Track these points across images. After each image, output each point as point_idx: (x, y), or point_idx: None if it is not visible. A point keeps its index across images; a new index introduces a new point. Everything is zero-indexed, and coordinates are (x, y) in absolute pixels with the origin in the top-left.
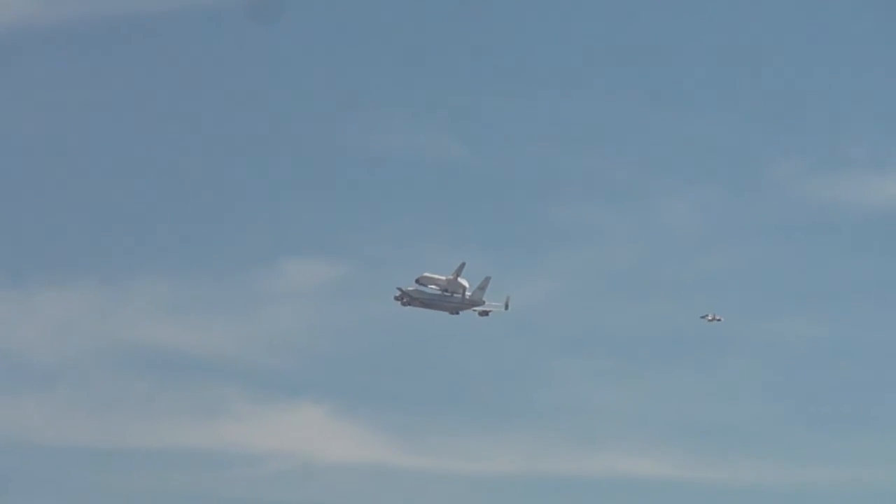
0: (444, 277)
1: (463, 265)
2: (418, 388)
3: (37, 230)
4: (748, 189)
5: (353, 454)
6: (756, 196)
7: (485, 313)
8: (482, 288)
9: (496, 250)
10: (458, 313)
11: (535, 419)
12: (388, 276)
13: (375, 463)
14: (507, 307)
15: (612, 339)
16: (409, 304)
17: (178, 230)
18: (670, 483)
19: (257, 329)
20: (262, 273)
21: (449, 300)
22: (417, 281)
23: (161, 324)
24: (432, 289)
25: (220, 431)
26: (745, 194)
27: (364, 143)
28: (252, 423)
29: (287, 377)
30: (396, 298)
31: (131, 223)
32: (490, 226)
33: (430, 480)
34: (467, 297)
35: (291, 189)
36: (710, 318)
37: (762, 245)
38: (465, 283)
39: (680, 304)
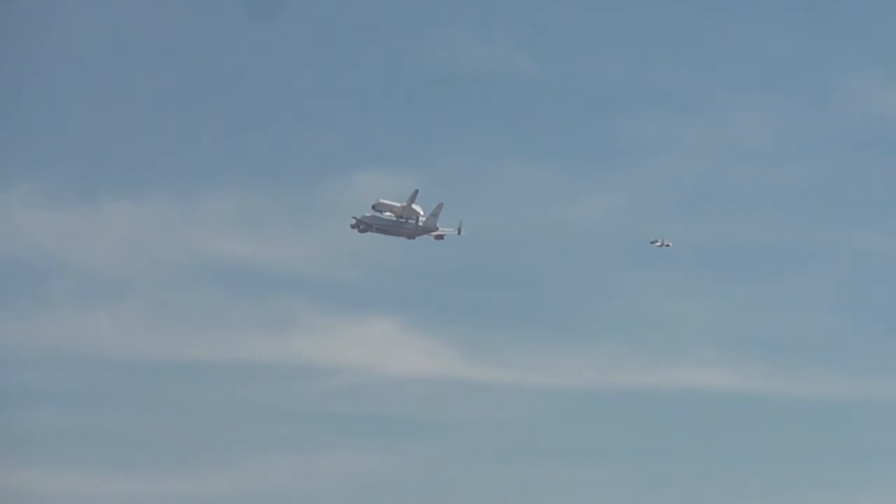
0: (399, 204)
1: (416, 192)
2: (489, 302)
3: (109, 144)
4: (819, 101)
5: (424, 367)
6: (827, 109)
7: (440, 237)
8: (435, 214)
9: (565, 163)
10: (413, 238)
11: (607, 332)
12: (459, 190)
13: (445, 376)
14: (459, 232)
15: (683, 252)
16: (366, 231)
17: (248, 144)
18: (742, 395)
19: (328, 242)
20: (332, 186)
21: (404, 226)
22: (374, 207)
23: (232, 237)
24: (388, 215)
25: (291, 344)
26: (816, 107)
27: (434, 58)
28: (322, 336)
29: (357, 290)
30: (353, 227)
31: (203, 137)
32: (558, 139)
33: (501, 393)
34: (421, 224)
35: (362, 103)
36: (658, 243)
37: (832, 158)
38: (419, 209)
39: (750, 216)
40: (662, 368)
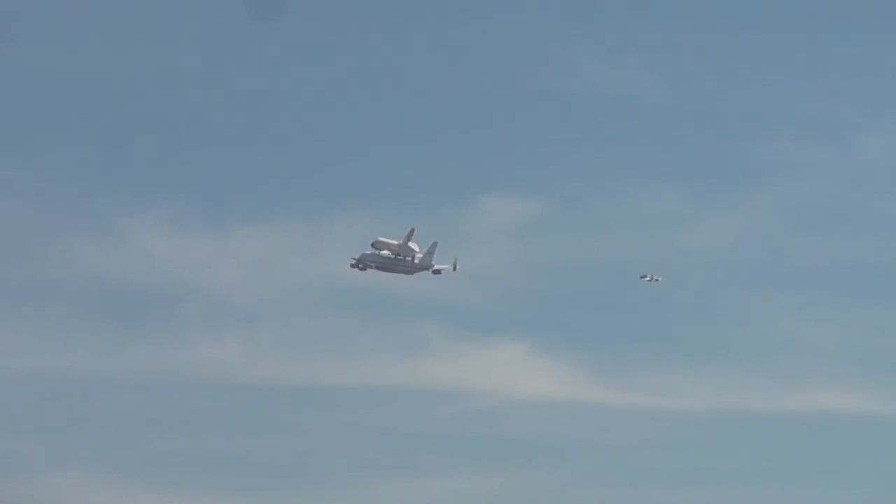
0: (396, 242)
1: (412, 231)
2: (617, 325)
3: (237, 169)
4: None
5: (553, 391)
6: None
7: (437, 272)
8: (430, 252)
9: (691, 186)
10: (412, 275)
11: (735, 355)
12: (584, 214)
13: (573, 399)
14: (454, 268)
15: (812, 274)
16: (365, 269)
17: (376, 168)
18: (869, 419)
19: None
20: (459, 210)
21: (401, 263)
22: (373, 244)
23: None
24: (385, 253)
25: (421, 369)
26: None
27: (561, 80)
28: (452, 361)
29: (486, 315)
30: (352, 266)
31: (331, 161)
32: (684, 162)
33: (629, 416)
34: (417, 261)
35: (489, 127)
36: (648, 278)
37: None
38: (415, 247)
39: (879, 239)
40: (789, 391)
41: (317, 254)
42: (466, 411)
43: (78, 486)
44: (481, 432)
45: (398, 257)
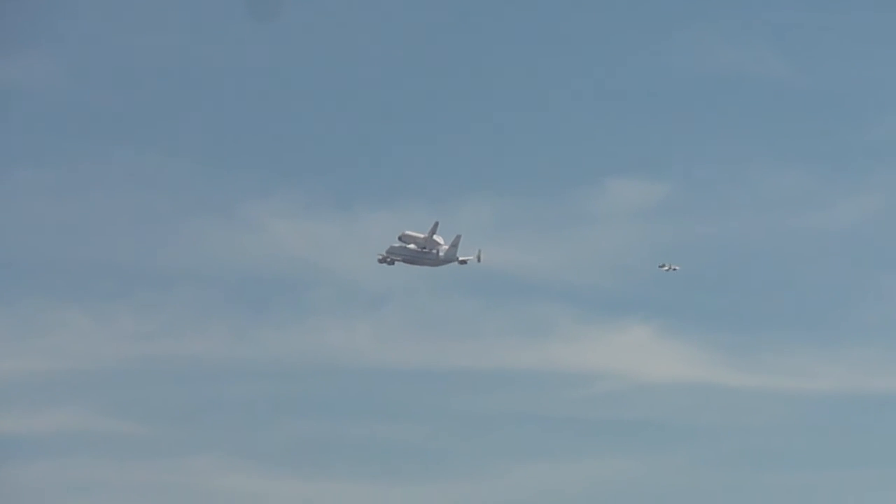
0: (422, 235)
1: (437, 224)
2: (746, 306)
3: (363, 154)
4: None
5: (682, 373)
6: None
7: (463, 262)
8: (454, 245)
9: (820, 167)
10: (437, 267)
11: (866, 335)
12: (711, 195)
13: (704, 381)
14: (479, 259)
15: None
16: (393, 262)
17: (501, 151)
18: None
19: (583, 249)
20: (586, 193)
21: (427, 256)
22: (400, 238)
23: (488, 244)
24: (411, 247)
25: (549, 352)
26: None
27: (684, 61)
28: (579, 344)
29: (614, 297)
30: (380, 261)
31: (457, 145)
32: (812, 142)
33: (757, 397)
34: (441, 255)
35: (612, 109)
36: (666, 267)
37: None
38: (440, 240)
39: None
40: None
41: (444, 237)
42: (594, 394)
43: (211, 471)
44: (610, 415)
45: (424, 250)
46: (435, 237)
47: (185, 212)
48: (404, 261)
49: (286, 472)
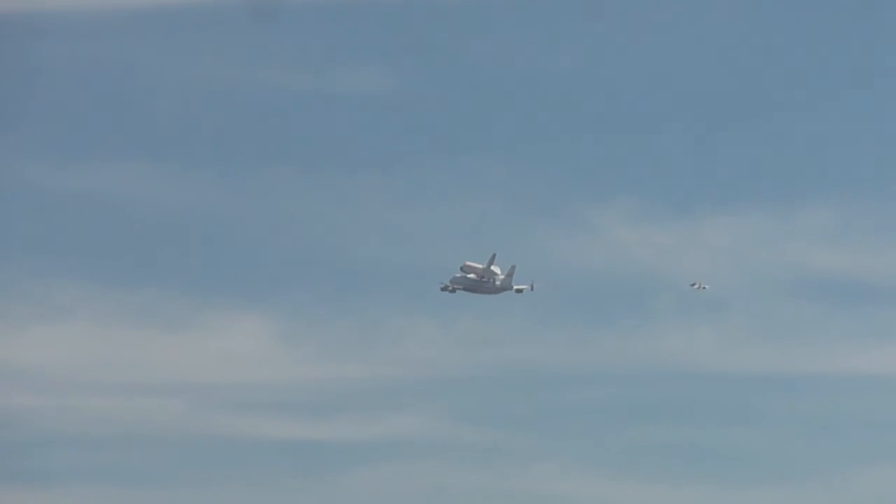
0: (481, 266)
1: (494, 255)
2: None
3: (704, 159)
4: None
5: None
6: None
7: (519, 290)
8: (510, 275)
9: None
10: (494, 295)
11: None
12: None
13: None
14: (532, 288)
15: None
16: (454, 291)
17: (843, 152)
18: None
19: None
20: None
21: (485, 285)
22: (462, 268)
23: (830, 249)
24: (471, 276)
25: (892, 356)
26: None
27: None
28: None
29: None
30: (442, 290)
31: (798, 147)
32: None
33: None
34: (498, 283)
35: None
36: (697, 286)
37: None
38: (497, 270)
39: None
40: None
41: (787, 242)
42: None
43: (556, 477)
44: None
45: (482, 279)
46: (493, 267)
47: (530, 219)
48: (465, 289)
49: (629, 477)
